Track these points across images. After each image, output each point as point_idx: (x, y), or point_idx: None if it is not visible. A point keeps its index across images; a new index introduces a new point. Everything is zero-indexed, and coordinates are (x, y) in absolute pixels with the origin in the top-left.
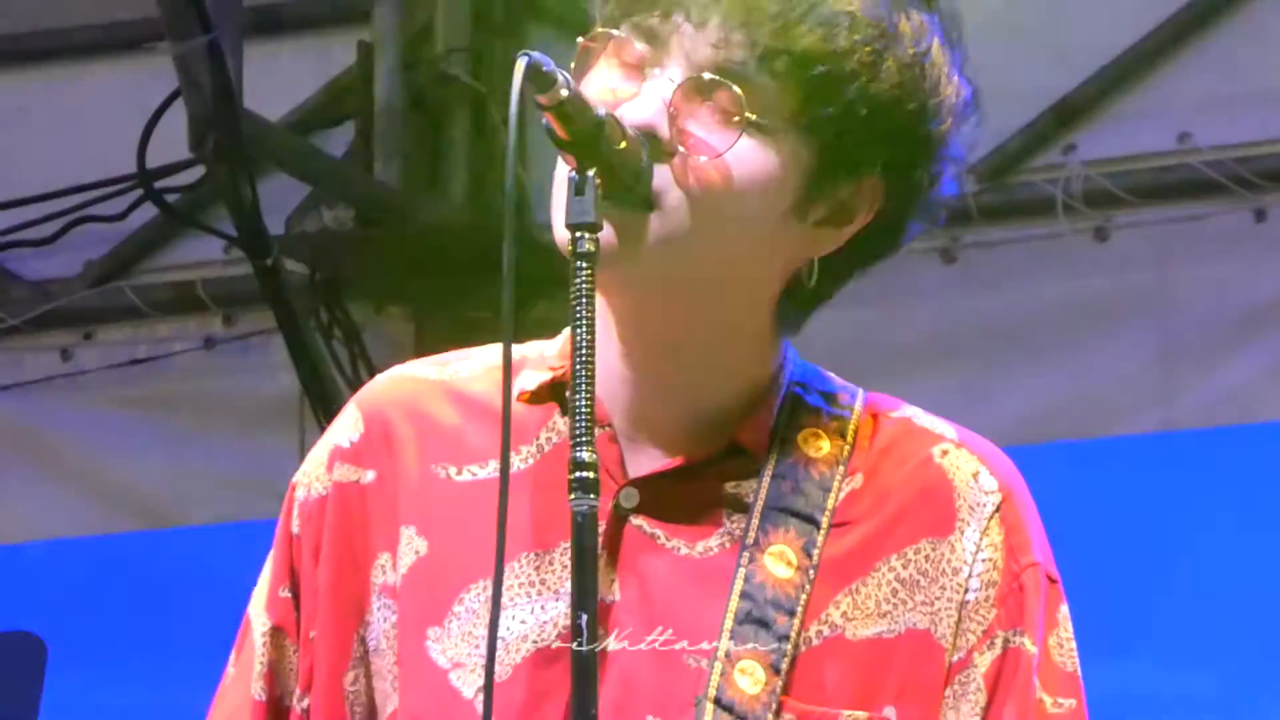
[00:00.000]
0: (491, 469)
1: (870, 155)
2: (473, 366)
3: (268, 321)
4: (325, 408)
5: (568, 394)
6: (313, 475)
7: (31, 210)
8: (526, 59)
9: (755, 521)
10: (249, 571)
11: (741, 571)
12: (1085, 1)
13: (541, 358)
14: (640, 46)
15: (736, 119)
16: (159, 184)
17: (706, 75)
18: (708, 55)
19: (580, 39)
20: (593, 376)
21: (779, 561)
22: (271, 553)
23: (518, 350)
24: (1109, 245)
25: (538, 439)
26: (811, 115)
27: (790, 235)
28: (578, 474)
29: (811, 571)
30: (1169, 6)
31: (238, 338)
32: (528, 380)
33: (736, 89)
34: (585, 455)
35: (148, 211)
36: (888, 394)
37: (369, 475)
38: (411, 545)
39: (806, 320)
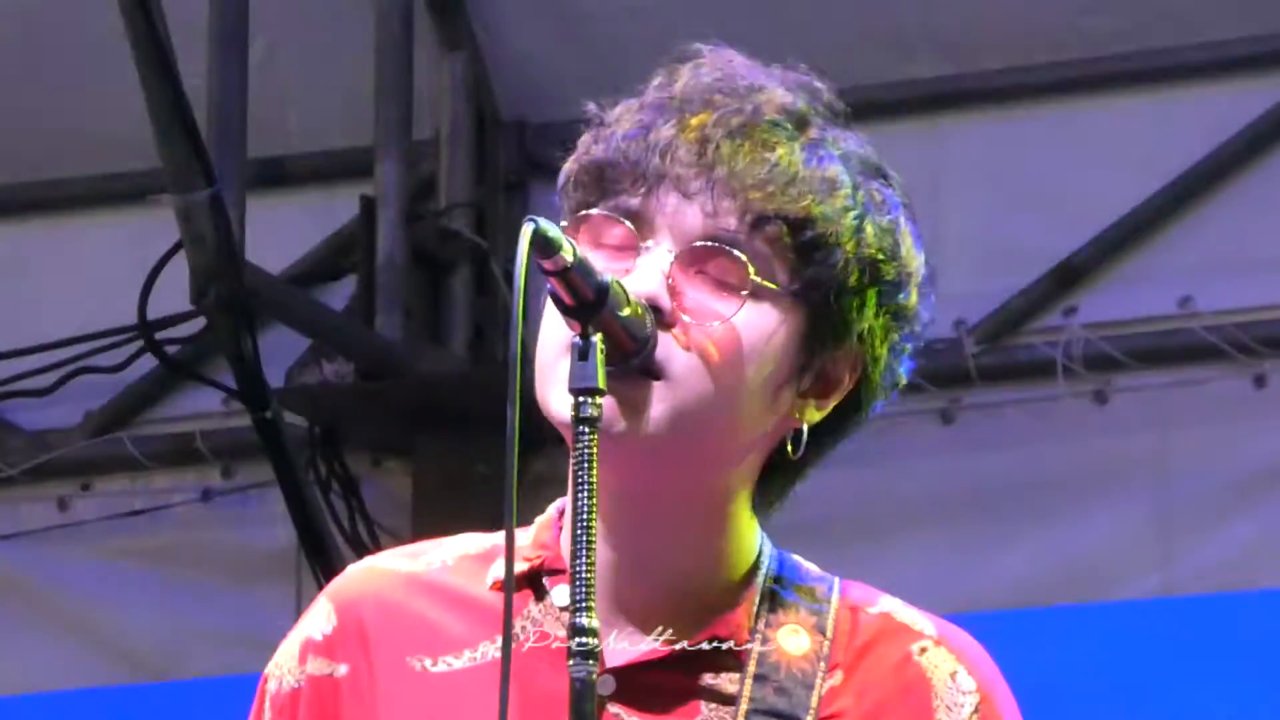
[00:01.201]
0: (466, 659)
1: (856, 321)
2: (444, 556)
3: (266, 474)
4: (322, 561)
5: (544, 581)
6: (285, 667)
7: (31, 360)
8: (533, 225)
9: None
10: None
11: None
12: (1087, 164)
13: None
14: (626, 225)
15: (736, 286)
16: (159, 335)
17: (704, 243)
18: (698, 225)
19: (562, 224)
20: (594, 543)
21: None
22: None
23: (489, 539)
24: (1109, 408)
25: (513, 628)
26: (804, 280)
27: (782, 405)
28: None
29: None
30: (1170, 171)
31: (236, 490)
32: (501, 569)
33: (739, 254)
34: (585, 621)
35: (147, 363)
36: (884, 556)
37: (342, 669)
38: None
39: (784, 499)
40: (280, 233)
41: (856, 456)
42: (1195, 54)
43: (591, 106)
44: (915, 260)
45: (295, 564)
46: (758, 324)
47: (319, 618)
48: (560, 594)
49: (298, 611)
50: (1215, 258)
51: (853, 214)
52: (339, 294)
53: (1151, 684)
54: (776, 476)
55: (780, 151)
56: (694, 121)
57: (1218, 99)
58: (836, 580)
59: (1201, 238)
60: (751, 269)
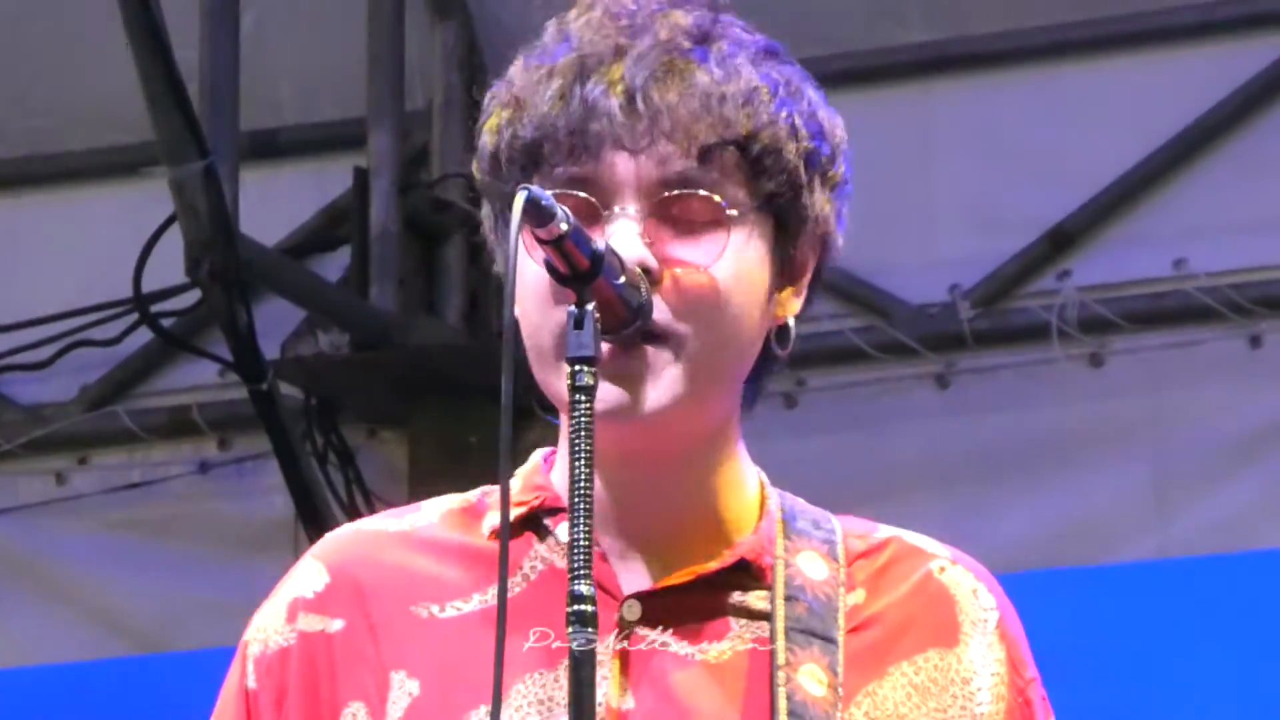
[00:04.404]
0: (475, 603)
1: (811, 207)
2: (429, 515)
3: (263, 445)
4: (320, 532)
5: (546, 521)
6: (270, 629)
7: (27, 334)
8: (526, 193)
9: (781, 642)
10: None
11: (782, 690)
12: (1080, 127)
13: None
14: (583, 197)
15: (711, 224)
16: (154, 308)
17: (669, 194)
18: (652, 175)
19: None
20: (590, 510)
21: (812, 679)
22: (218, 714)
23: (471, 494)
24: (1104, 371)
25: (521, 569)
26: (765, 193)
27: (769, 308)
28: (576, 608)
29: (840, 688)
30: (1163, 133)
31: (233, 461)
32: (497, 518)
33: (706, 193)
34: (583, 589)
35: (143, 335)
36: (883, 520)
37: (336, 624)
38: (404, 689)
39: (762, 393)
40: (274, 204)
41: (852, 421)
42: (1187, 15)
43: (494, 83)
44: (836, 127)
45: (293, 535)
46: (739, 251)
47: (308, 576)
48: (565, 530)
49: None
50: (1209, 219)
51: (783, 114)
52: (333, 265)
53: (1148, 646)
54: (763, 376)
55: (701, 77)
56: (613, 74)
57: (1210, 60)
58: (829, 513)
59: (1195, 199)
60: (725, 204)
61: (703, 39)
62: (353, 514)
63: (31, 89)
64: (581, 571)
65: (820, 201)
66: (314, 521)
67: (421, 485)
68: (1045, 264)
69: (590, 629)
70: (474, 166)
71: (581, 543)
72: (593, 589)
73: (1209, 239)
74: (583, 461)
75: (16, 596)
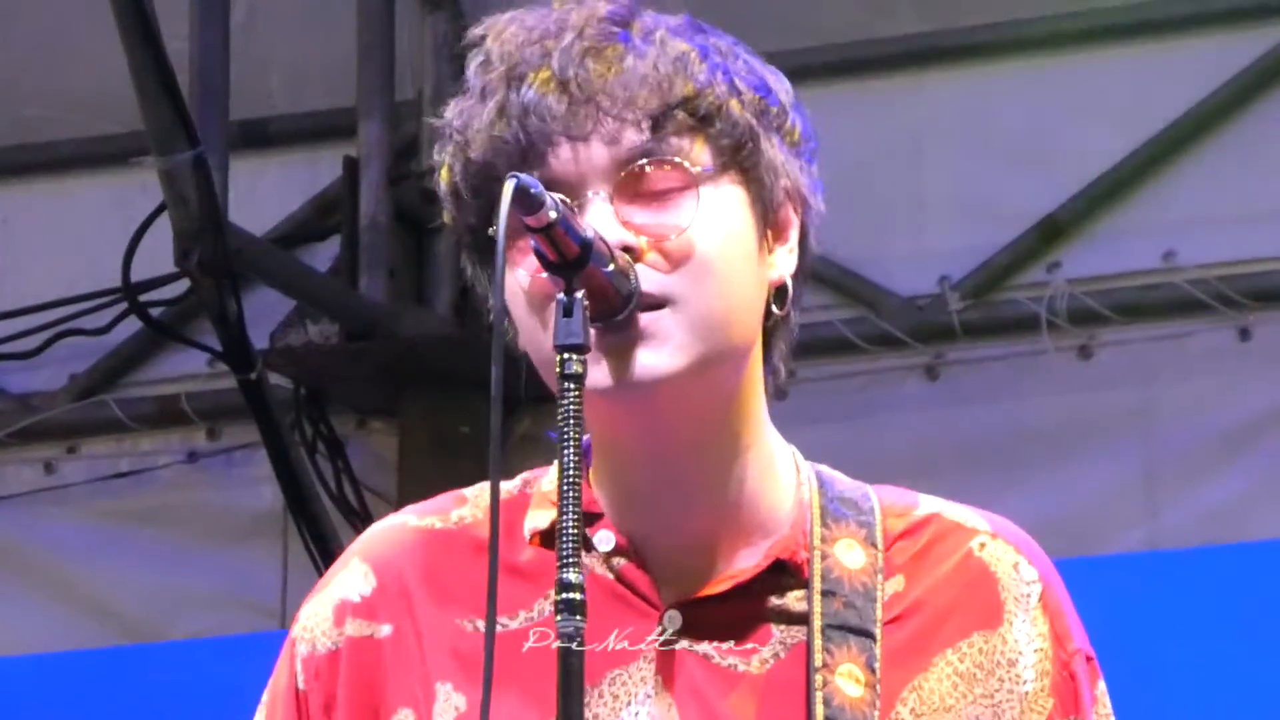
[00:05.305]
0: (523, 619)
1: (775, 157)
2: (474, 510)
3: (251, 435)
4: (309, 522)
5: (560, 518)
6: (317, 630)
7: (16, 323)
8: (515, 181)
9: (818, 642)
10: (231, 687)
11: (819, 695)
12: (1070, 119)
13: (541, 494)
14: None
15: (680, 187)
16: (144, 298)
17: (631, 168)
18: (607, 156)
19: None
20: (579, 497)
21: (850, 680)
22: (266, 711)
23: (514, 485)
24: (1093, 363)
25: None
26: (721, 147)
27: (763, 270)
28: (565, 595)
29: (878, 686)
30: (1153, 125)
31: (221, 451)
32: (538, 520)
33: (670, 158)
34: (572, 576)
35: (132, 325)
36: None
37: (385, 629)
38: (450, 701)
39: (779, 370)
40: (263, 194)
41: (841, 412)
42: (1177, 7)
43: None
44: (783, 84)
45: (282, 525)
46: (715, 208)
47: (354, 579)
48: (602, 539)
49: (284, 572)
50: (1198, 211)
51: (718, 74)
52: (323, 255)
53: (1138, 638)
54: (774, 343)
55: (629, 55)
56: (543, 74)
57: (1200, 52)
58: (869, 488)
59: (1184, 191)
60: (686, 164)
61: (622, 22)
62: (342, 504)
63: (21, 78)
64: (570, 560)
65: (782, 154)
66: (303, 512)
67: (411, 476)
68: (1035, 256)
69: (579, 616)
70: (442, 214)
71: (570, 531)
72: (580, 577)
73: (1198, 231)
74: (571, 449)
75: (5, 585)
